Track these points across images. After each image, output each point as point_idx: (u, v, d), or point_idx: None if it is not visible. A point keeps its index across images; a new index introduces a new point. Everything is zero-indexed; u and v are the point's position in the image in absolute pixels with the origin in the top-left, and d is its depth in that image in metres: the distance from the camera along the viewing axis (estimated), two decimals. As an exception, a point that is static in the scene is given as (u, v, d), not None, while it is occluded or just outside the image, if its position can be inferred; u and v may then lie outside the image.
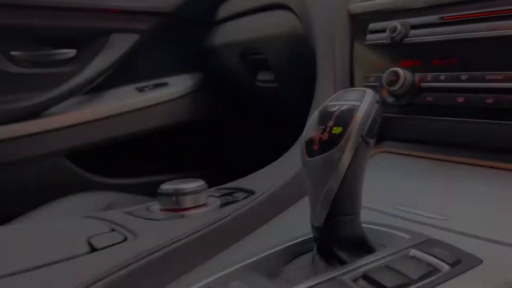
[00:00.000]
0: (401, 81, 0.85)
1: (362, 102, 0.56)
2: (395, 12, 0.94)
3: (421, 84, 0.84)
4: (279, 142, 1.17)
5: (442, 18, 0.85)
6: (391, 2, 0.95)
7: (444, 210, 0.68)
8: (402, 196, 0.76)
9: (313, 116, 0.60)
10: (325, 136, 0.56)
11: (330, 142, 0.55)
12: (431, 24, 0.86)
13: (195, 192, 0.67)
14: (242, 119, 1.92)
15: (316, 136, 0.57)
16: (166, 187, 0.68)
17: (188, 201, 0.66)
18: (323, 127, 0.56)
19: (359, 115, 0.55)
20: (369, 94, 0.57)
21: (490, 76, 0.75)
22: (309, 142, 0.57)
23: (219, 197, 0.74)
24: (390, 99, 0.89)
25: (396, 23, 0.89)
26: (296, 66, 1.37)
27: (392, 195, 0.77)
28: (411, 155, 0.88)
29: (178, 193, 0.66)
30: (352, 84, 1.00)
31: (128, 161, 1.77)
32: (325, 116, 0.58)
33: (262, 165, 0.95)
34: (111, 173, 1.73)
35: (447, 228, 0.62)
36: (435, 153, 0.84)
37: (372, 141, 0.56)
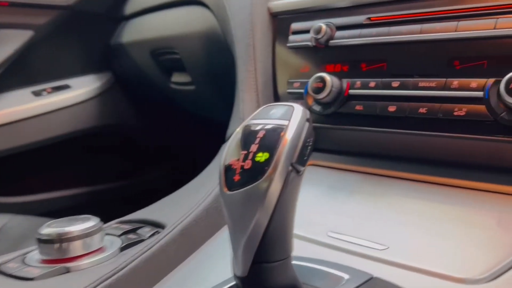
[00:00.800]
0: (327, 88, 0.77)
1: (290, 121, 0.46)
2: (319, 12, 0.86)
3: (350, 91, 0.77)
4: (202, 148, 1.05)
5: (369, 18, 0.78)
6: (315, 1, 0.86)
7: (382, 235, 0.61)
8: (335, 219, 0.68)
9: (233, 137, 0.49)
10: (248, 164, 0.45)
11: (254, 172, 0.44)
12: (358, 25, 0.79)
13: (85, 235, 0.52)
14: (158, 124, 1.76)
15: (237, 164, 0.45)
16: (47, 230, 0.52)
17: (76, 248, 0.51)
18: (245, 152, 0.45)
19: (288, 137, 0.44)
20: (298, 111, 0.47)
21: (423, 83, 0.69)
22: (229, 170, 0.46)
23: (119, 235, 0.60)
24: (316, 108, 0.81)
25: (321, 24, 0.81)
26: (215, 68, 1.25)
27: (323, 217, 0.69)
28: (342, 169, 0.80)
29: (63, 239, 0.51)
30: (275, 90, 0.90)
31: (23, 176, 1.54)
32: (247, 138, 0.47)
33: (183, 177, 0.83)
34: (2, 190, 1.49)
35: (389, 261, 0.54)
36: (367, 166, 0.77)
37: (303, 169, 0.46)
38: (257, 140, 0.45)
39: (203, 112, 1.53)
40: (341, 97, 0.78)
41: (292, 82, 0.86)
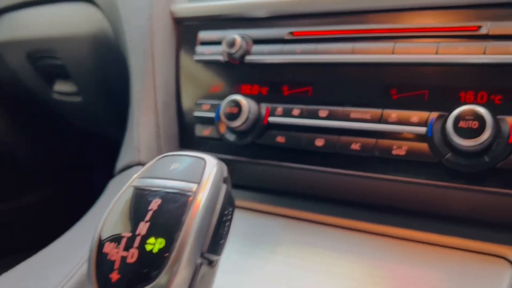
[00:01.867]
0: (244, 114, 0.63)
1: (200, 184, 0.31)
2: (233, 20, 0.72)
3: (269, 118, 0.64)
4: (96, 167, 0.85)
5: (292, 33, 0.66)
6: (227, 7, 0.72)
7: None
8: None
9: (116, 201, 0.33)
10: (133, 255, 0.29)
11: (142, 270, 0.28)
12: (279, 40, 0.66)
13: None
14: (40, 140, 1.49)
15: (116, 253, 0.29)
16: None
17: None
18: (128, 235, 0.30)
19: (196, 213, 0.29)
20: (211, 168, 0.32)
21: (356, 114, 0.58)
22: (103, 261, 0.30)
23: None
24: (230, 136, 0.67)
25: (235, 36, 0.67)
26: (106, 78, 1.05)
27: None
28: (261, 211, 0.67)
29: None
30: (179, 113, 0.74)
31: None
32: (135, 209, 0.31)
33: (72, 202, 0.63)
34: None
35: None
36: (292, 209, 0.64)
37: (218, 257, 0.31)
38: (149, 216, 0.30)
39: (94, 127, 1.31)
40: (260, 125, 0.64)
41: (201, 104, 0.71)
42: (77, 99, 1.17)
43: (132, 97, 0.75)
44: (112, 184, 0.69)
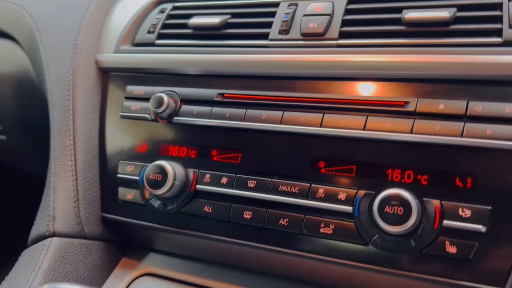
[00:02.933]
0: (169, 181, 0.59)
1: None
2: (162, 75, 0.68)
3: (197, 186, 0.60)
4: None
5: (222, 95, 0.63)
6: (156, 61, 0.69)
7: None
8: None
9: None
10: None
11: None
12: (208, 101, 0.63)
13: None
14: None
15: None
16: None
17: None
18: None
19: None
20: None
21: (284, 187, 0.56)
22: None
23: None
24: (155, 202, 0.62)
25: (163, 95, 0.63)
26: (31, 119, 0.98)
27: None
28: (186, 282, 0.63)
29: None
30: (102, 173, 0.69)
31: None
32: None
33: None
34: None
35: None
36: (218, 280, 0.61)
37: None
38: None
39: (22, 166, 1.22)
40: (186, 193, 0.61)
41: (125, 164, 0.66)
42: (1, 137, 1.08)
43: (50, 156, 0.69)
44: (23, 259, 0.62)
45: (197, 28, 0.68)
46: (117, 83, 0.71)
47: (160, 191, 0.59)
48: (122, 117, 0.68)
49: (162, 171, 0.59)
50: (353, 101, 0.56)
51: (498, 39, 0.52)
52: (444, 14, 0.54)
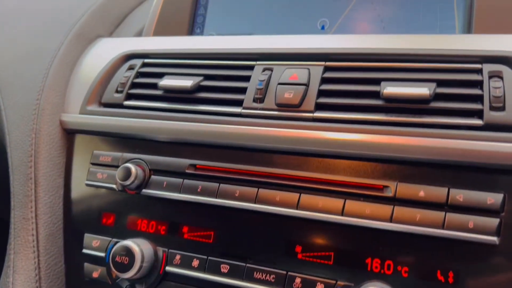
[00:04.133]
0: (136, 264, 0.55)
1: None
2: (132, 141, 0.65)
3: (166, 267, 0.57)
4: None
5: (194, 166, 0.60)
6: (125, 126, 0.65)
7: None
8: None
9: None
10: None
11: None
12: (179, 173, 0.60)
13: None
14: None
15: None
16: None
17: None
18: None
19: None
20: None
21: (259, 274, 0.53)
22: None
23: None
24: (122, 283, 0.59)
25: (130, 166, 0.59)
26: None
27: None
28: None
29: None
30: (67, 247, 0.65)
31: None
32: None
33: None
34: None
35: None
36: None
37: None
38: None
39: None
40: (156, 274, 0.57)
41: (91, 238, 0.62)
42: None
43: (10, 230, 0.65)
44: None
45: (168, 90, 0.65)
46: (83, 146, 0.67)
47: (127, 275, 0.55)
48: (88, 185, 0.64)
49: (129, 253, 0.56)
50: (331, 181, 0.53)
51: (479, 121, 0.50)
52: (423, 91, 0.52)
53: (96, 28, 0.79)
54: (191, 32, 0.79)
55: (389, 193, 0.50)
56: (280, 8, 0.74)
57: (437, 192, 0.48)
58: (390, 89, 0.54)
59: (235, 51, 0.66)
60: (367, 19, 0.68)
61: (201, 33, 0.78)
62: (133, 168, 0.60)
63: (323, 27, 0.71)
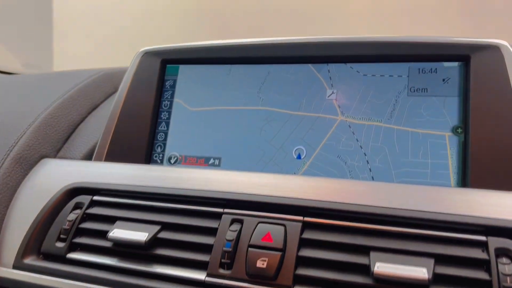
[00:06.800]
0: None
1: None
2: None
3: None
4: None
5: None
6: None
7: None
8: None
9: None
10: None
11: None
12: None
13: None
14: None
15: None
16: None
17: None
18: None
19: None
20: None
21: None
22: None
23: None
24: None
25: None
26: None
27: None
28: None
29: None
30: None
31: None
32: None
33: None
34: None
35: None
36: None
37: None
38: None
39: None
40: None
41: None
42: None
43: None
44: None
45: (119, 244, 0.55)
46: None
47: None
48: None
49: None
50: None
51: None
52: (421, 274, 0.44)
53: (39, 148, 0.69)
54: (149, 152, 0.69)
55: None
56: (252, 133, 0.66)
57: None
58: (382, 269, 0.45)
59: (200, 195, 0.56)
60: (348, 152, 0.61)
61: (162, 152, 0.69)
62: None
63: (299, 156, 0.63)
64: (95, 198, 0.60)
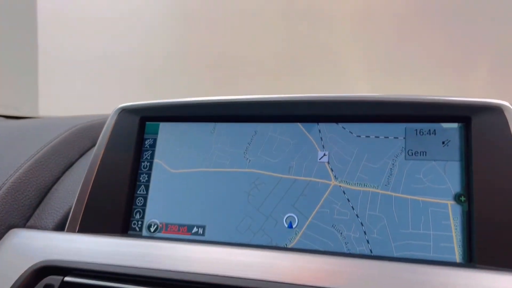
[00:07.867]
0: None
1: None
2: None
3: None
4: None
5: None
6: None
7: None
8: None
9: None
10: None
11: None
12: None
13: None
14: None
15: None
16: None
17: None
18: None
19: None
20: None
21: None
22: None
23: None
24: None
25: None
26: None
27: None
28: None
29: None
30: None
31: None
32: None
33: None
34: None
35: None
36: None
37: None
38: None
39: None
40: None
41: None
42: None
43: None
44: None
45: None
46: None
47: None
48: None
49: None
50: None
51: None
52: None
53: (7, 217, 0.63)
54: (127, 219, 0.64)
55: None
56: (239, 199, 0.61)
57: None
58: None
59: (181, 278, 0.51)
60: (343, 221, 0.56)
61: (141, 219, 0.64)
62: None
63: (290, 225, 0.58)
64: (67, 279, 0.55)
